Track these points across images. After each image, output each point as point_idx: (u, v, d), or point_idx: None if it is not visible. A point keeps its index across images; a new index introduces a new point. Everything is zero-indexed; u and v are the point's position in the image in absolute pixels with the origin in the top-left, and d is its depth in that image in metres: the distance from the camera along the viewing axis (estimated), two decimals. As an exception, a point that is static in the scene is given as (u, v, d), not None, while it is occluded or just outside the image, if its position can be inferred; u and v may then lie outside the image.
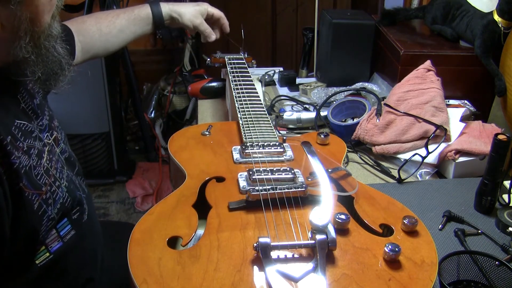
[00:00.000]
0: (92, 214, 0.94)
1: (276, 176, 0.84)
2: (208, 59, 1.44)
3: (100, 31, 1.17)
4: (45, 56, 0.76)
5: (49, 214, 0.77)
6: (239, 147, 0.96)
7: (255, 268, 0.67)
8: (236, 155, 0.93)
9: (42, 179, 0.76)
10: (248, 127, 1.01)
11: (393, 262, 0.69)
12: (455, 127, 1.14)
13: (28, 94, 0.81)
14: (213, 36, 1.31)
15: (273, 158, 0.93)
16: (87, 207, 0.90)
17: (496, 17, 1.24)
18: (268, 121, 1.04)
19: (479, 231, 0.90)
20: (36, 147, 0.77)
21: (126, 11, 1.23)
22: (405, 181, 1.06)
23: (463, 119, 1.18)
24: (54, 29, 0.77)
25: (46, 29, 0.74)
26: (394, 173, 1.07)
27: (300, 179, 0.86)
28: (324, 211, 0.71)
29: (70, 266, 0.87)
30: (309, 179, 0.86)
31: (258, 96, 1.13)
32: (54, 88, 0.83)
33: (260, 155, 0.93)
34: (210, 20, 1.32)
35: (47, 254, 0.80)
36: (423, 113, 1.14)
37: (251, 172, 0.85)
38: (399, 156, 1.12)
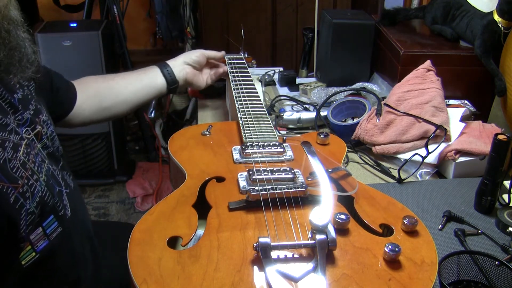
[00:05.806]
0: (77, 210, 0.91)
1: (276, 176, 0.84)
2: (208, 59, 1.44)
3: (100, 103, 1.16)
4: (6, 39, 0.74)
5: (28, 208, 0.75)
6: (239, 147, 0.96)
7: (255, 268, 0.67)
8: (236, 155, 0.93)
9: (18, 172, 0.75)
10: (248, 127, 1.01)
11: (393, 262, 0.69)
12: (455, 127, 1.14)
13: (7, 89, 0.80)
14: (221, 69, 1.31)
15: (273, 158, 0.93)
16: (69, 203, 0.88)
17: (496, 17, 1.24)
18: (268, 121, 1.04)
19: (479, 231, 0.90)
20: (12, 140, 0.76)
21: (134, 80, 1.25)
22: (405, 181, 1.06)
23: (463, 119, 1.18)
24: (12, 12, 0.75)
25: (2, 8, 0.72)
26: (394, 173, 1.07)
27: (300, 179, 0.85)
28: (324, 211, 0.71)
29: (58, 266, 0.85)
30: (309, 179, 0.86)
31: (258, 96, 1.13)
32: (16, 78, 0.80)
33: (260, 155, 0.92)
34: (213, 62, 1.32)
35: (33, 254, 0.78)
36: (423, 113, 1.14)
37: (251, 172, 0.85)
38: (399, 156, 1.12)
